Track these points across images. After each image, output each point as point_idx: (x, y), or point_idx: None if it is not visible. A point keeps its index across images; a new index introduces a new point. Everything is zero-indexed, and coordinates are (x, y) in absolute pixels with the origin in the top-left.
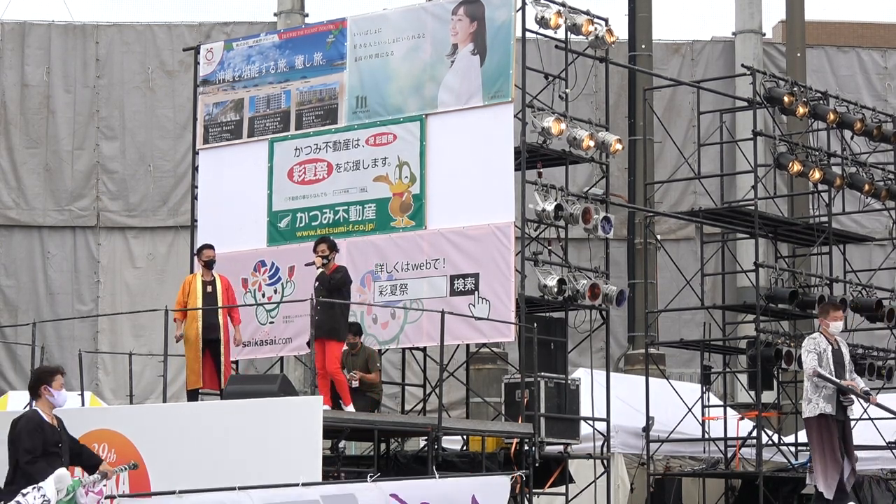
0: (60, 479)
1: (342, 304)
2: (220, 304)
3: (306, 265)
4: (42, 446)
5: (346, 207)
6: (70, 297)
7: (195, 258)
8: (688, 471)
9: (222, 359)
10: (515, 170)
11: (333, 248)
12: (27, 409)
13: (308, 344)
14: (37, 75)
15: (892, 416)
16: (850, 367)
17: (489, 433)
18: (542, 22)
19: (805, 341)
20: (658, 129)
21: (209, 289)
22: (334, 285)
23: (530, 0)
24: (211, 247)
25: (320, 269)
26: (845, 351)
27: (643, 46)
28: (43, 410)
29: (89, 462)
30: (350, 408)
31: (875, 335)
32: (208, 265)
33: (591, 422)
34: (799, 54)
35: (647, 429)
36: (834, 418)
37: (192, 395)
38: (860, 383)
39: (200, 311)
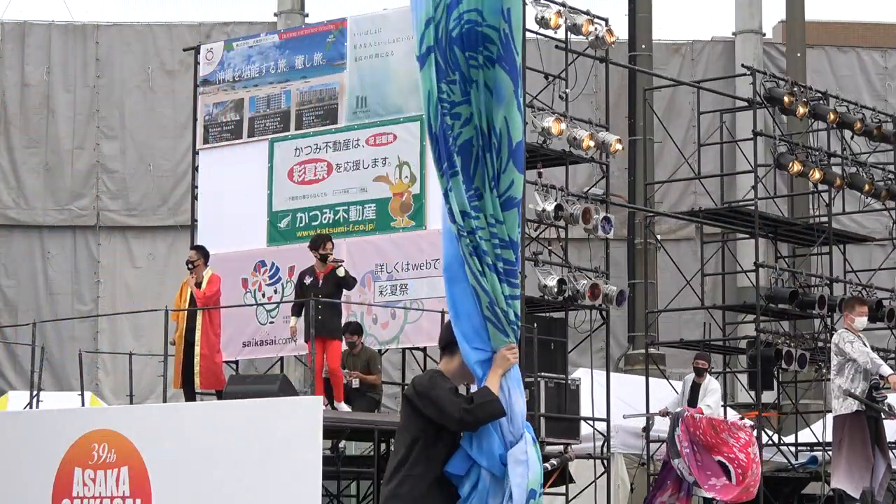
0: None
1: (339, 304)
2: (197, 305)
3: (333, 264)
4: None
5: (346, 207)
6: (70, 298)
7: None
8: None
9: (196, 360)
10: None
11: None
12: None
13: (306, 341)
14: (37, 75)
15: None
16: None
17: None
18: (542, 22)
19: (835, 337)
20: (658, 129)
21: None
22: (350, 283)
23: (530, 0)
24: (193, 247)
25: (339, 265)
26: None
27: (643, 46)
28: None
29: None
30: (344, 405)
31: (875, 335)
32: (187, 266)
33: (591, 422)
34: (799, 54)
35: (647, 429)
36: (865, 414)
37: (189, 395)
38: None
39: (185, 314)
